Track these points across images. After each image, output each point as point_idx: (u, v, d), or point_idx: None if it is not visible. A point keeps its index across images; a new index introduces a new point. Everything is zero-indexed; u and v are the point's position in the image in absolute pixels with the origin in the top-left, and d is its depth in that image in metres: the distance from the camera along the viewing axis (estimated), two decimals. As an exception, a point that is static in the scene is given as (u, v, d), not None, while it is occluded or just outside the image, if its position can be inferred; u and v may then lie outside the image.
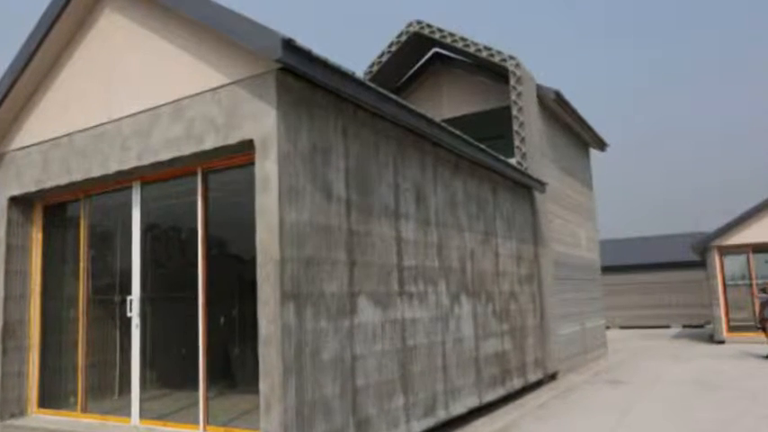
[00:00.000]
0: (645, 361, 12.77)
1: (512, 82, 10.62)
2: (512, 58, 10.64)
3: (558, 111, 12.13)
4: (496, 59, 10.78)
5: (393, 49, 12.01)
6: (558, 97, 11.38)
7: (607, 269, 22.85)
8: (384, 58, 12.06)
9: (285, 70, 4.68)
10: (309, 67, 4.68)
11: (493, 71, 11.51)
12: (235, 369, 8.11)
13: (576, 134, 13.85)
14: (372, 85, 5.49)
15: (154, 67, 5.59)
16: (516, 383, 8.51)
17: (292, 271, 4.55)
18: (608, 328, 23.61)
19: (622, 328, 24.02)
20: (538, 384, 9.59)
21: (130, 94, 5.74)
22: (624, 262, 24.55)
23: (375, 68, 12.09)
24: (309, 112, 4.95)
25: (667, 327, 23.40)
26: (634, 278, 24.23)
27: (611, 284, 23.77)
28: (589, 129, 13.59)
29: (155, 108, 5.47)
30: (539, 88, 11.18)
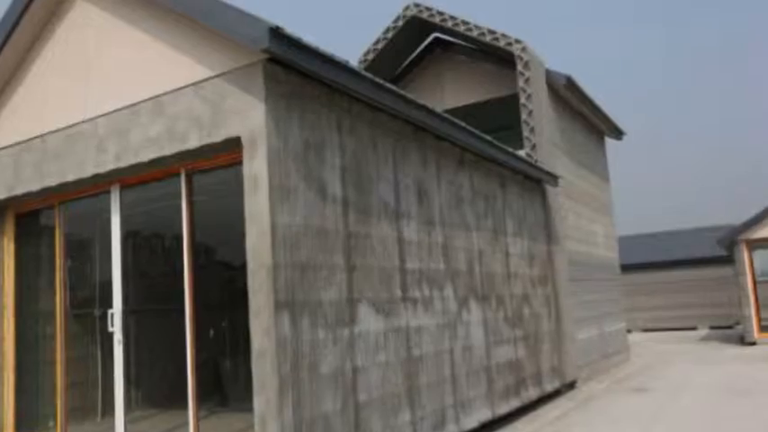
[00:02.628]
0: (670, 366, 12.77)
1: (519, 67, 10.60)
2: (518, 41, 10.63)
3: (569, 98, 12.12)
4: (501, 43, 10.77)
5: (390, 35, 11.98)
6: (570, 83, 11.36)
7: (627, 268, 22.81)
8: (380, 45, 12.04)
9: (273, 61, 4.67)
10: (299, 57, 4.68)
11: (498, 56, 11.50)
12: (227, 385, 8.11)
13: (590, 123, 13.85)
14: (368, 74, 5.49)
15: (131, 62, 5.58)
16: (532, 393, 8.51)
17: (286, 278, 4.55)
18: (629, 331, 23.55)
19: (645, 330, 24.00)
20: (555, 394, 9.59)
21: (107, 91, 5.74)
22: (645, 260, 24.49)
23: (371, 56, 12.07)
24: (301, 105, 4.95)
25: (694, 328, 23.38)
26: (656, 277, 24.18)
27: (632, 284, 23.72)
28: (604, 116, 13.59)
29: (133, 105, 5.47)
30: (548, 74, 11.16)
